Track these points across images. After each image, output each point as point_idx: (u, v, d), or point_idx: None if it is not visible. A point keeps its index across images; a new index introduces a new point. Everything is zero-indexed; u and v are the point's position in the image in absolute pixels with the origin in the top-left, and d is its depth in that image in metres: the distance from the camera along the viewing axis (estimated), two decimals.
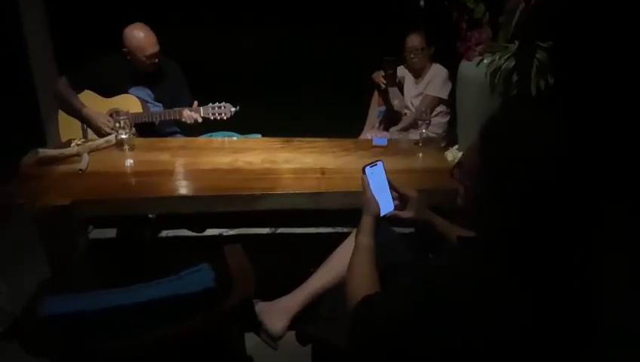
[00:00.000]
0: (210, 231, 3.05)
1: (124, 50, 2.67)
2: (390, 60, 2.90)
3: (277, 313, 1.69)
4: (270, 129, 2.97)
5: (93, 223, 2.93)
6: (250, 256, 1.57)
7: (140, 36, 2.64)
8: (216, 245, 2.93)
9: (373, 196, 1.38)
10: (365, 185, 1.39)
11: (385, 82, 2.99)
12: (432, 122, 2.88)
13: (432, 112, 2.90)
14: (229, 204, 1.88)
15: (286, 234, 3.07)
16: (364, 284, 1.21)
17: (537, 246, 0.96)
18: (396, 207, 1.45)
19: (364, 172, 1.40)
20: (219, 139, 2.62)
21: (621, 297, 2.24)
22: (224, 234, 3.03)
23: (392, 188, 1.45)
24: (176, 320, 1.22)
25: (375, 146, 2.40)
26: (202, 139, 2.66)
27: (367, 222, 1.36)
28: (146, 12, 3.04)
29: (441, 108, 3.03)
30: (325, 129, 3.05)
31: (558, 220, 0.95)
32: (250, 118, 3.15)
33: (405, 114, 3.15)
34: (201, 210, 1.89)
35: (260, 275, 1.58)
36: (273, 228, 3.10)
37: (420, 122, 2.41)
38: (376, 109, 3.37)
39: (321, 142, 2.46)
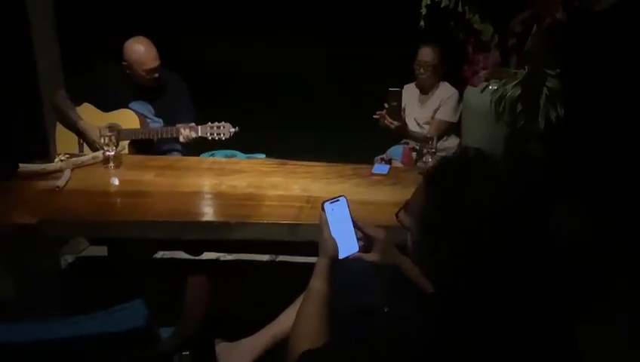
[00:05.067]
0: (207, 255, 3.04)
1: (123, 63, 2.72)
2: (394, 92, 2.77)
3: (237, 356, 1.65)
4: (278, 148, 2.96)
5: (89, 241, 2.99)
6: (244, 285, 1.54)
7: (139, 50, 2.68)
8: (211, 269, 2.95)
9: (330, 236, 1.32)
10: (323, 223, 1.33)
11: (392, 122, 2.81)
12: (441, 146, 2.79)
13: (440, 138, 2.82)
14: (201, 231, 1.86)
15: (287, 262, 3.02)
16: (307, 337, 1.16)
17: (483, 301, 0.91)
18: (361, 249, 1.39)
19: (322, 208, 1.35)
20: (209, 159, 2.63)
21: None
22: (221, 258, 3.02)
23: (357, 227, 1.39)
24: (100, 360, 1.19)
25: (374, 174, 2.33)
26: (193, 158, 2.66)
27: (321, 264, 1.30)
28: (155, 24, 3.13)
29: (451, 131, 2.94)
30: (340, 150, 3.01)
31: (507, 276, 0.90)
32: (259, 137, 3.17)
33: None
34: (170, 236, 1.87)
35: (242, 308, 1.56)
36: (273, 256, 3.06)
37: (424, 151, 2.33)
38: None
39: (317, 166, 2.41)
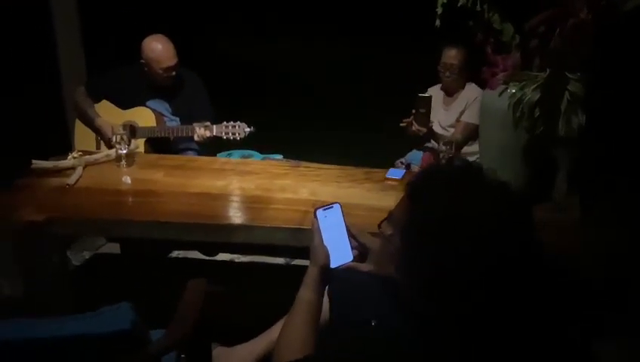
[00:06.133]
0: (222, 256, 3.07)
1: (141, 61, 2.77)
2: (423, 98, 2.73)
3: None
4: (297, 150, 2.95)
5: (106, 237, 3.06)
6: (253, 289, 1.55)
7: (157, 48, 2.73)
8: (224, 270, 2.97)
9: (321, 244, 1.30)
10: (315, 230, 1.31)
11: (420, 129, 2.79)
12: (466, 151, 2.75)
13: (466, 142, 2.78)
14: (203, 233, 1.88)
15: (302, 266, 3.01)
16: (291, 347, 1.16)
17: (466, 317, 0.89)
18: (355, 258, 1.36)
19: (315, 215, 1.33)
20: (221, 159, 2.65)
21: None
22: (236, 260, 3.04)
23: (352, 235, 1.36)
24: (86, 360, 1.21)
25: (388, 179, 2.30)
26: (206, 158, 2.68)
27: (311, 273, 1.28)
28: (176, 23, 3.18)
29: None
30: (361, 152, 2.98)
31: (490, 291, 0.87)
32: (278, 137, 3.18)
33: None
34: (173, 237, 1.90)
35: (247, 313, 1.55)
36: (289, 259, 3.06)
37: (441, 156, 2.28)
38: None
39: (329, 169, 2.40)
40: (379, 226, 1.08)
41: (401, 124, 2.86)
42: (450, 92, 3.01)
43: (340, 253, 1.33)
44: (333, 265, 1.31)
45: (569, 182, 2.23)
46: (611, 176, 2.21)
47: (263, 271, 2.95)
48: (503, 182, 0.92)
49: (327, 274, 1.30)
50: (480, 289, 0.86)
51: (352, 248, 1.36)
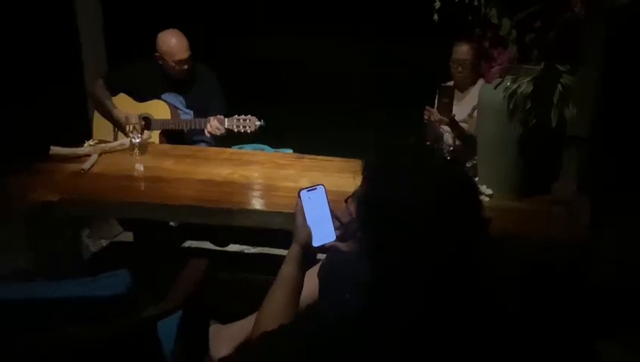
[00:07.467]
0: (233, 247, 3.20)
1: (155, 54, 2.94)
2: (446, 88, 2.81)
3: (225, 338, 1.75)
4: (310, 145, 3.07)
5: (123, 226, 3.23)
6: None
7: (171, 41, 2.88)
8: (234, 260, 3.09)
9: (304, 223, 1.37)
10: (299, 210, 1.39)
11: (443, 118, 2.84)
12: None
13: None
14: (205, 216, 2.01)
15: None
16: (270, 318, 1.23)
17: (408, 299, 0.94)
18: (338, 238, 1.45)
19: (299, 196, 1.42)
20: (229, 150, 2.78)
21: None
22: (245, 251, 3.17)
23: (335, 216, 1.46)
24: (81, 321, 1.35)
25: None
26: (215, 148, 2.82)
27: (293, 251, 1.36)
28: (195, 19, 3.35)
29: None
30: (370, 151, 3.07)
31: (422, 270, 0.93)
32: (291, 132, 3.31)
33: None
34: (176, 219, 2.04)
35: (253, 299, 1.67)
36: None
37: (445, 148, 2.37)
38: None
39: (333, 161, 2.51)
40: (345, 201, 1.16)
41: (425, 117, 2.94)
42: (461, 87, 3.07)
43: (322, 232, 1.40)
44: (315, 244, 1.38)
45: (578, 179, 2.29)
46: (624, 175, 2.25)
47: (272, 261, 3.06)
48: (453, 161, 1.00)
49: (309, 252, 1.38)
50: (424, 268, 0.92)
51: (335, 228, 1.43)
